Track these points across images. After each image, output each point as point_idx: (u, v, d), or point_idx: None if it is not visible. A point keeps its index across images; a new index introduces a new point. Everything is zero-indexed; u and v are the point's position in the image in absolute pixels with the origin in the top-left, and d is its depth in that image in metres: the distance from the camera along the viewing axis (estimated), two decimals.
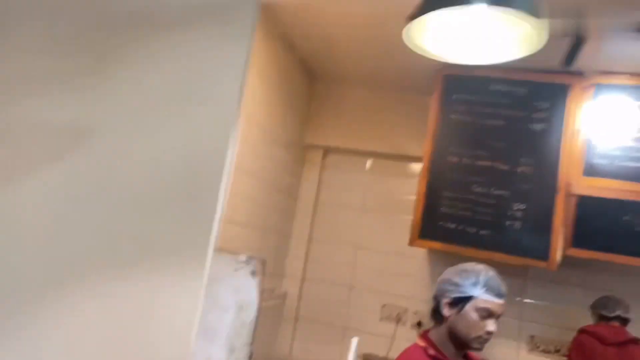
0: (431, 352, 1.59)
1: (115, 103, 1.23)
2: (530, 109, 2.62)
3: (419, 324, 2.99)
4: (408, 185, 3.13)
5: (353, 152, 3.30)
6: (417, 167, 3.05)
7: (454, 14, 1.02)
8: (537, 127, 2.60)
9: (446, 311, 1.61)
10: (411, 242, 2.69)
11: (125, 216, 1.20)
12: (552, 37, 2.27)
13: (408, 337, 2.94)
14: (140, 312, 1.22)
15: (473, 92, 2.71)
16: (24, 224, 1.23)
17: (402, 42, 1.20)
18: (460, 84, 2.73)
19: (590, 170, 2.48)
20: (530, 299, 2.90)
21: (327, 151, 3.38)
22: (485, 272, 1.61)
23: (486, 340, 1.58)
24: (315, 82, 3.37)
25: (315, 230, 3.31)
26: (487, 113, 2.68)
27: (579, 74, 2.57)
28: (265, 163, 2.83)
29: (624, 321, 2.51)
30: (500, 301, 1.58)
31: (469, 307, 1.57)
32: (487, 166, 2.64)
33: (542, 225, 2.49)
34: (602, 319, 2.53)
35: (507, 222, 2.55)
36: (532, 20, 0.93)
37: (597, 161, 2.49)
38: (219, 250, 1.76)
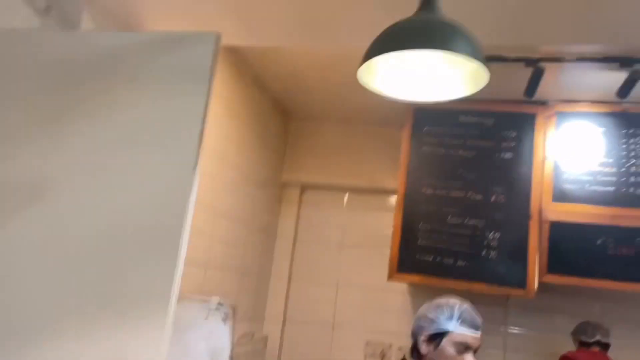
0: None
1: (74, 155, 1.23)
2: (499, 138, 2.68)
3: None
4: (386, 219, 3.14)
5: (330, 188, 3.32)
6: (394, 200, 3.06)
7: (399, 57, 1.05)
8: (507, 156, 2.65)
9: (424, 348, 1.60)
10: (390, 277, 2.67)
11: (86, 269, 1.18)
12: (514, 69, 2.36)
13: None
14: None
15: (443, 124, 2.77)
16: None
17: None
18: (430, 117, 2.79)
19: (560, 196, 2.52)
20: (513, 328, 2.88)
21: (304, 188, 3.39)
22: (459, 305, 1.60)
23: None
24: (290, 120, 3.41)
25: (295, 269, 3.28)
26: (458, 144, 2.73)
27: (543, 103, 2.65)
28: (242, 203, 2.83)
29: (604, 346, 2.50)
30: (476, 334, 1.56)
31: (445, 342, 1.56)
32: (460, 196, 2.67)
33: (518, 253, 2.51)
34: (582, 344, 2.52)
35: (484, 252, 2.56)
36: (472, 61, 0.97)
37: (567, 187, 2.53)
38: (188, 297, 1.73)
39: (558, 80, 2.45)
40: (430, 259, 2.62)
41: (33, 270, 1.17)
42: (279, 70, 2.75)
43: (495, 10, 1.56)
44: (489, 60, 2.52)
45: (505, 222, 2.57)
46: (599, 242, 2.46)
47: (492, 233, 2.57)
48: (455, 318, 1.56)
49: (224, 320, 1.64)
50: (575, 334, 2.57)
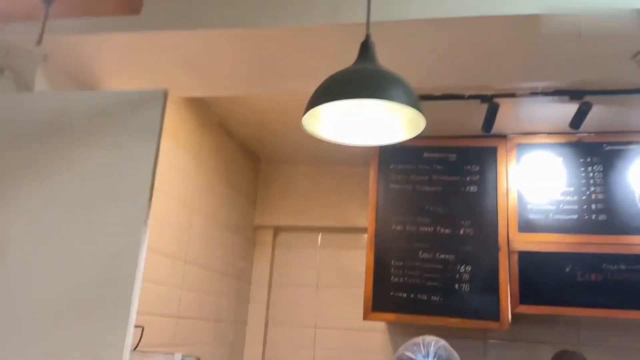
0: None
1: (25, 215, 1.22)
2: (463, 173, 2.73)
3: None
4: (360, 257, 3.12)
5: (303, 229, 3.31)
6: (366, 237, 3.07)
7: (343, 104, 1.09)
8: (472, 189, 2.70)
9: None
10: (365, 317, 2.65)
11: (37, 329, 1.16)
12: (472, 106, 2.44)
13: None
14: None
15: (408, 161, 2.82)
16: None
17: None
18: (395, 154, 2.84)
19: (526, 226, 2.56)
20: None
21: (277, 230, 3.38)
22: (435, 342, 1.62)
23: None
24: (259, 164, 3.44)
25: (271, 313, 3.23)
26: (424, 180, 2.78)
27: (503, 137, 2.73)
28: (214, 250, 2.80)
29: None
30: None
31: None
32: (430, 232, 2.69)
33: (490, 286, 2.52)
34: None
35: (456, 285, 2.57)
36: (408, 108, 1.01)
37: (532, 217, 2.58)
38: (150, 352, 1.69)
39: (514, 114, 2.53)
40: (405, 295, 2.61)
41: None
42: (244, 115, 2.79)
43: (451, 54, 1.63)
44: (446, 98, 2.59)
45: (475, 254, 2.59)
46: (567, 270, 2.49)
47: (463, 266, 2.59)
48: (431, 356, 1.58)
49: None
50: None
